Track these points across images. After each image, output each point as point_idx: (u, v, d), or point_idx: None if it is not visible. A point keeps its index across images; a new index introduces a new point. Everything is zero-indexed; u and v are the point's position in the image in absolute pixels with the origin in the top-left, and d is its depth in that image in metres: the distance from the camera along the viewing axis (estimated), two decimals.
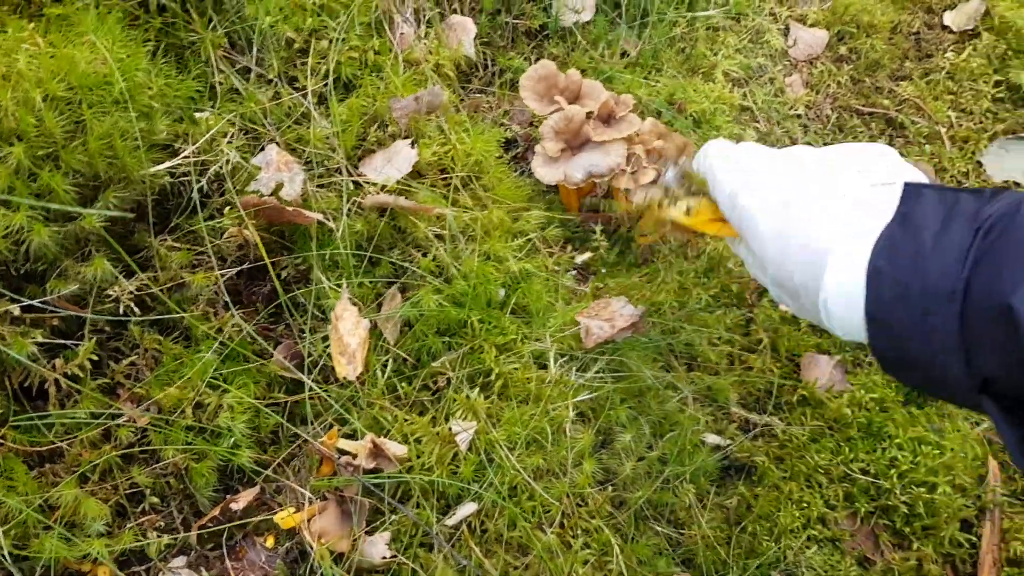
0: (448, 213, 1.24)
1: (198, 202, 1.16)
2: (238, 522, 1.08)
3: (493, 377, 1.17)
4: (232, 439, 1.08)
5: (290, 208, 1.16)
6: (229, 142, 1.21)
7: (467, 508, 1.10)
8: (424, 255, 1.23)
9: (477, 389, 1.16)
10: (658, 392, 1.21)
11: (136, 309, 1.09)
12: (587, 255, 1.34)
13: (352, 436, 1.12)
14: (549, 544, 1.09)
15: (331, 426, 1.13)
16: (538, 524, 1.11)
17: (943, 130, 1.58)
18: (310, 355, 1.16)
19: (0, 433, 1.02)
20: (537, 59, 1.50)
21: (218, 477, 1.10)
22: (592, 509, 1.13)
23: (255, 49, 1.30)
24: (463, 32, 1.48)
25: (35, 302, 1.04)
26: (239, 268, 1.18)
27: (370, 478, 1.09)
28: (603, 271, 1.34)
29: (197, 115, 1.21)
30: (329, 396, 1.14)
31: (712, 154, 0.90)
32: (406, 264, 1.23)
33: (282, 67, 1.32)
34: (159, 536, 1.06)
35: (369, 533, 1.08)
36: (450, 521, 1.09)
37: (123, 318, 1.09)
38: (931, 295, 0.64)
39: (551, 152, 1.24)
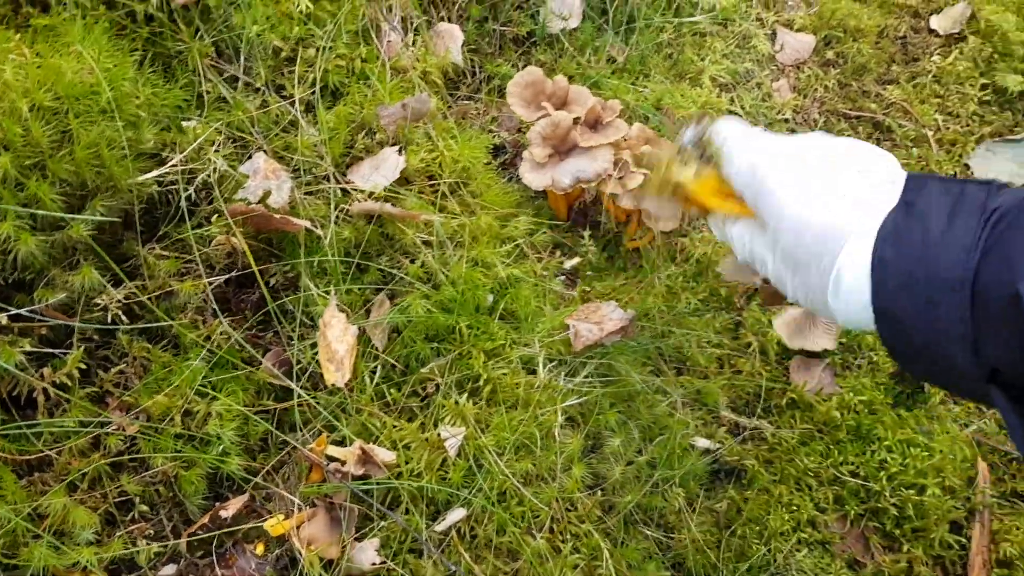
0: (436, 219, 1.25)
1: (186, 210, 1.16)
2: (228, 529, 1.08)
3: (482, 382, 1.17)
4: (221, 447, 1.08)
5: (278, 216, 1.17)
6: (217, 150, 1.21)
7: (456, 514, 1.10)
8: (412, 261, 1.24)
9: (466, 395, 1.17)
10: (647, 396, 1.21)
11: (124, 317, 1.09)
12: (575, 260, 1.34)
13: (341, 443, 1.12)
14: (538, 549, 1.09)
15: (320, 433, 1.13)
16: (527, 529, 1.11)
17: (930, 133, 1.58)
18: (299, 362, 1.16)
19: None
20: (525, 66, 1.50)
21: (207, 485, 1.10)
22: (581, 514, 1.13)
23: (242, 58, 1.31)
24: (451, 39, 1.49)
25: (23, 311, 1.04)
26: (227, 276, 1.18)
27: (359, 484, 1.09)
28: (590, 274, 1.34)
29: (184, 124, 1.21)
30: (318, 403, 1.14)
31: (729, 129, 0.89)
32: (394, 271, 1.24)
33: (269, 75, 1.32)
34: (149, 544, 1.05)
35: (358, 539, 1.08)
36: (439, 527, 1.09)
37: (111, 326, 1.09)
38: (937, 284, 0.63)
39: (539, 158, 1.25)
